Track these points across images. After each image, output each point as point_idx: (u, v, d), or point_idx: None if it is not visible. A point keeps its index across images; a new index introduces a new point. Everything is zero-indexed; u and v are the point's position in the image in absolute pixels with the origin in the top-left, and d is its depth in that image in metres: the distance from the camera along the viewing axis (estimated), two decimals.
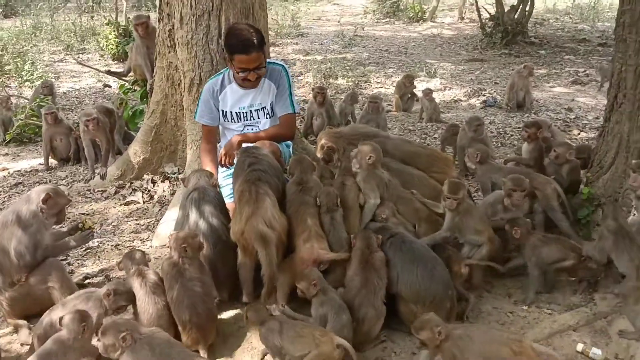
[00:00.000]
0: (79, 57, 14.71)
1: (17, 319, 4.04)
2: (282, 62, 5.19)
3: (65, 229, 4.57)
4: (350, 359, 3.29)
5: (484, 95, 10.33)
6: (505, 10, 14.73)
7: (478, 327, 3.41)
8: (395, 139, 5.21)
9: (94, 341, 3.23)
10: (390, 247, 3.81)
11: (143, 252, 3.94)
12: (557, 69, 12.28)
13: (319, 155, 4.78)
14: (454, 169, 4.95)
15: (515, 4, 14.92)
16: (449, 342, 3.10)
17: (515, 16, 14.66)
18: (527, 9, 14.67)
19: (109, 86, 11.91)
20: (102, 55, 14.36)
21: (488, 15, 15.17)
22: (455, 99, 10.34)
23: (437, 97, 9.32)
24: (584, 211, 4.73)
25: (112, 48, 13.78)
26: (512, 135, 8.00)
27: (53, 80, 10.97)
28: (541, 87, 10.85)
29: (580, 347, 3.59)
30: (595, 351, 3.54)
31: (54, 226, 4.30)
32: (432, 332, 3.10)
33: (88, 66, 11.60)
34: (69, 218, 5.60)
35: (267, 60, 4.98)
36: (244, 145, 4.47)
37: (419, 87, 10.02)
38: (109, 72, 9.31)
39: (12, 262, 3.99)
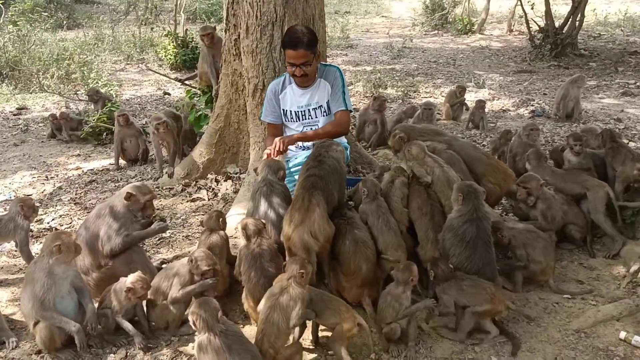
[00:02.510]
0: (138, 66, 15.47)
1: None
2: (337, 65, 5.57)
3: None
4: None
5: (532, 106, 10.51)
6: (555, 23, 14.83)
7: None
8: (463, 141, 5.50)
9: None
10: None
11: (221, 214, 4.51)
12: (606, 81, 12.35)
13: (390, 143, 5.06)
14: (512, 183, 5.09)
15: (565, 16, 15.02)
16: None
17: (565, 29, 14.76)
18: (577, 20, 14.74)
19: (168, 94, 12.53)
20: (160, 65, 14.99)
21: (537, 28, 15.29)
22: (503, 108, 10.54)
23: (486, 107, 9.53)
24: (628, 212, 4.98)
25: (170, 58, 14.41)
26: (560, 144, 8.18)
27: (98, 86, 11.50)
28: (590, 98, 10.94)
29: (622, 334, 3.84)
30: (638, 338, 3.77)
31: (143, 219, 4.72)
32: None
33: (162, 74, 12.22)
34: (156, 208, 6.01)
35: (323, 63, 5.39)
36: (319, 141, 4.79)
37: (468, 97, 10.28)
38: (180, 80, 9.84)
39: (101, 248, 4.47)
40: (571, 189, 5.18)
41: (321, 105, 5.27)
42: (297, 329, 3.80)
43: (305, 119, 5.31)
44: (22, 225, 4.98)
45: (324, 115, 5.29)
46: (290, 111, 5.34)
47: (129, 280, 3.97)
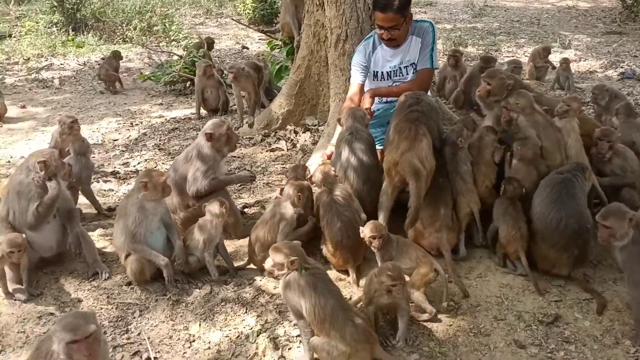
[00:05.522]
0: (217, 21, 15.64)
1: None
2: (430, 20, 5.43)
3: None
4: None
5: (621, 68, 10.01)
6: None
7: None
8: (549, 96, 5.31)
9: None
10: None
11: (305, 166, 4.63)
12: None
13: (491, 84, 4.81)
14: None
15: None
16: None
17: None
18: None
19: (247, 48, 12.63)
20: (235, 20, 15.10)
21: None
22: (590, 70, 10.09)
23: (572, 67, 9.15)
24: None
25: (249, 12, 14.49)
26: None
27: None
28: None
29: None
30: None
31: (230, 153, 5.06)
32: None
33: (245, 25, 12.41)
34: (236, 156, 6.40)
35: (415, 19, 5.25)
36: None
37: (553, 58, 9.87)
38: (263, 31, 9.89)
39: (187, 189, 4.62)
40: None
41: (413, 63, 5.16)
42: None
43: (397, 76, 5.23)
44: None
45: (415, 72, 5.19)
46: (382, 72, 5.25)
47: (213, 208, 4.11)
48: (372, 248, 3.79)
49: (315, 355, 3.28)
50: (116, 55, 10.06)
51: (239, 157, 6.49)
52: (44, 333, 3.63)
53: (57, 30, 13.61)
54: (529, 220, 4.08)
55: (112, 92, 9.64)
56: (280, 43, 8.20)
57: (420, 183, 4.00)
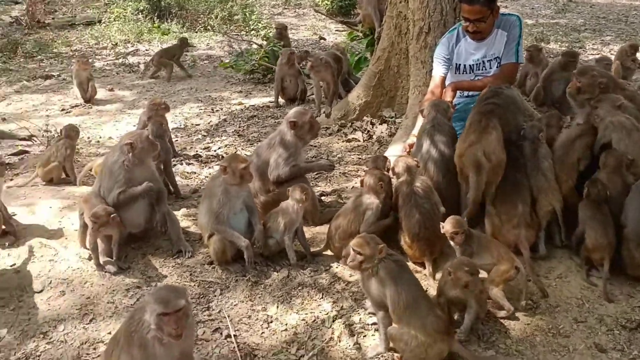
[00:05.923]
0: (295, 11, 15.79)
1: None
2: (517, 14, 5.34)
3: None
4: None
5: None
6: None
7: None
8: None
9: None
10: None
11: (385, 157, 4.68)
12: None
13: (584, 81, 4.67)
14: None
15: None
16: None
17: None
18: None
19: (324, 39, 12.70)
20: (316, 11, 15.19)
21: None
22: None
23: None
24: None
25: (327, 4, 14.53)
26: None
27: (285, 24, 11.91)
28: None
29: None
30: None
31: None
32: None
33: (325, 14, 12.84)
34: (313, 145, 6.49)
35: (502, 12, 5.18)
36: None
37: None
38: (343, 22, 9.96)
39: (269, 174, 4.74)
40: None
41: (497, 57, 5.10)
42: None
43: (479, 70, 5.18)
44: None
45: (498, 66, 5.12)
46: (465, 65, 5.22)
47: (295, 194, 4.22)
48: (453, 244, 3.79)
49: (391, 345, 3.33)
50: (183, 43, 10.27)
51: (315, 146, 6.58)
52: (131, 305, 3.83)
53: (143, 17, 14.06)
54: (618, 225, 3.93)
55: (149, 76, 10.06)
56: (360, 34, 8.22)
57: (480, 177, 4.00)
